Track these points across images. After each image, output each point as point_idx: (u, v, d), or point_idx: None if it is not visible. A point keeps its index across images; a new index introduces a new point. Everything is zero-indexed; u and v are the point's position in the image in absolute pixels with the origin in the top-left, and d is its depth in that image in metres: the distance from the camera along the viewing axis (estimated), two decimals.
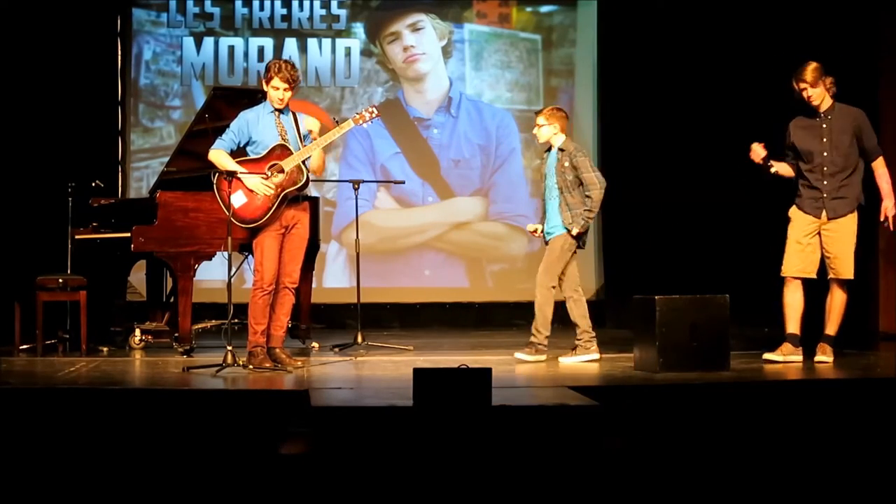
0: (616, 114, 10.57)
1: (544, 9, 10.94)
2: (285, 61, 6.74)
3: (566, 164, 7.20)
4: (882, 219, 6.96)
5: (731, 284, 7.23)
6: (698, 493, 4.73)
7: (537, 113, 7.36)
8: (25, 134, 9.60)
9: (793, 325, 6.95)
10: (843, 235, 6.91)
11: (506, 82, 10.85)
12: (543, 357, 7.21)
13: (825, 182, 6.93)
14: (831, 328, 6.96)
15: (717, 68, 10.02)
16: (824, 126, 6.95)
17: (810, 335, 7.06)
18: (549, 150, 7.35)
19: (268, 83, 6.71)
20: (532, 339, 7.22)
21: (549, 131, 7.26)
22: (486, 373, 5.10)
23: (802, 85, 6.91)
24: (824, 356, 6.91)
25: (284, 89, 6.68)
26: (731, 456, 5.11)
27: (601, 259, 10.74)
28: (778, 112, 8.60)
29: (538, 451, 4.89)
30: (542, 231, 7.36)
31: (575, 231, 7.16)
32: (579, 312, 7.30)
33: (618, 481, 4.74)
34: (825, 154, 6.93)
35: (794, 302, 6.95)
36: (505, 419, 5.06)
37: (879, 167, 6.96)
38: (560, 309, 10.69)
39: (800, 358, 6.94)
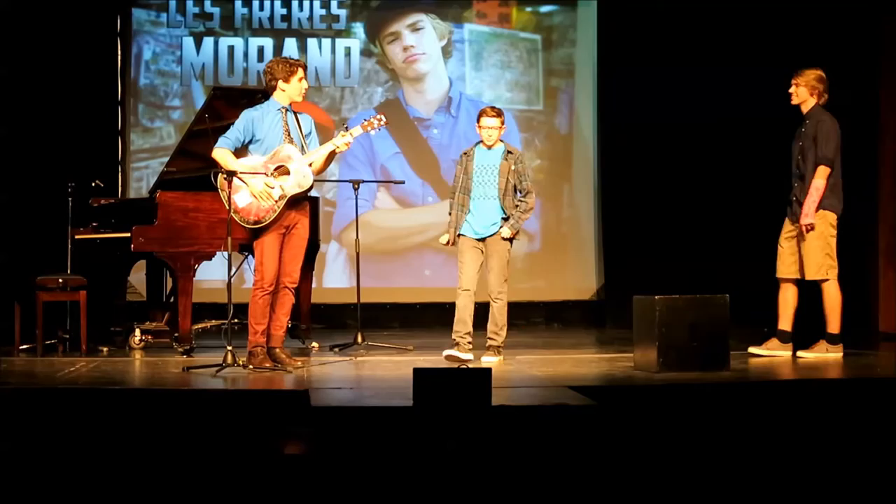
0: (616, 113, 10.56)
1: (544, 9, 10.94)
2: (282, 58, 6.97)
3: (513, 167, 7.15)
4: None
5: (731, 284, 7.24)
6: (698, 494, 4.73)
7: (497, 114, 7.19)
8: (26, 134, 9.59)
9: (783, 322, 7.29)
10: (808, 238, 7.14)
11: (506, 82, 10.84)
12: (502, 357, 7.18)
13: (795, 185, 7.24)
14: (829, 327, 7.17)
15: (717, 68, 10.01)
16: (802, 130, 7.25)
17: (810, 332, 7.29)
18: (477, 145, 7.21)
19: (290, 77, 6.72)
20: (492, 342, 7.15)
21: (500, 134, 7.21)
22: (486, 373, 5.11)
23: (792, 80, 7.26)
24: (813, 353, 7.13)
25: (305, 77, 6.81)
26: (731, 456, 5.11)
27: (601, 259, 10.74)
28: (777, 111, 8.61)
29: (538, 451, 4.89)
30: (451, 239, 7.21)
31: (509, 235, 7.13)
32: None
33: (618, 481, 4.74)
34: (798, 157, 7.22)
35: (783, 301, 7.30)
36: (505, 419, 5.06)
37: (816, 176, 7.09)
38: (562, 309, 10.69)
39: (787, 353, 7.22)
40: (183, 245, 7.56)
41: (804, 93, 7.20)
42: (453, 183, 7.30)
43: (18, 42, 9.62)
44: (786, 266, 7.25)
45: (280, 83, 6.74)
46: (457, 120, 10.74)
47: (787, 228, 7.28)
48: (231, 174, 6.58)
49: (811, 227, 7.06)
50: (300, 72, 6.74)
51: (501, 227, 7.15)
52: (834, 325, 7.14)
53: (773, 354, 7.21)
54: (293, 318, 7.50)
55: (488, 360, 7.02)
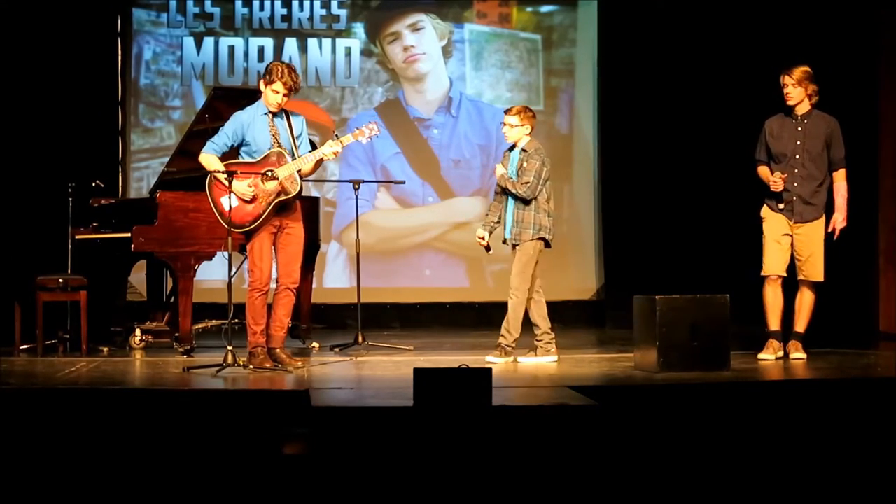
0: (616, 114, 10.56)
1: (544, 9, 10.94)
2: (289, 66, 6.71)
3: (524, 164, 7.13)
4: (829, 230, 7.15)
5: (731, 284, 7.24)
6: (699, 493, 4.73)
7: (507, 111, 7.24)
8: (26, 134, 9.60)
9: (775, 322, 7.19)
10: (812, 239, 7.12)
11: (506, 82, 10.84)
12: (511, 358, 7.16)
13: (795, 184, 7.11)
14: (801, 326, 7.18)
15: (717, 68, 10.02)
16: (799, 129, 7.14)
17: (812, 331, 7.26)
18: (511, 149, 7.26)
19: (268, 84, 6.68)
20: (501, 340, 7.14)
21: (520, 132, 7.17)
22: (486, 373, 5.11)
23: (787, 80, 7.11)
24: (798, 353, 7.12)
25: (284, 94, 6.65)
26: (731, 456, 5.12)
27: (601, 259, 10.74)
28: (778, 112, 8.59)
29: (538, 451, 4.89)
30: (488, 239, 7.25)
31: (549, 237, 7.17)
32: (539, 313, 7.23)
33: (618, 481, 4.74)
34: (797, 156, 7.11)
35: (774, 299, 7.18)
36: (505, 419, 5.06)
37: (839, 179, 7.14)
38: (562, 309, 10.66)
39: (782, 354, 7.17)
40: (183, 245, 7.57)
41: (801, 93, 7.09)
42: (542, 185, 7.14)
43: (19, 42, 9.63)
44: (779, 263, 7.13)
45: (261, 85, 6.74)
46: (457, 120, 10.74)
47: (784, 227, 7.15)
48: (230, 174, 6.58)
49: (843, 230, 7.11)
50: (277, 83, 6.60)
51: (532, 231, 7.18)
52: (803, 325, 7.17)
53: (780, 357, 7.13)
54: (293, 318, 7.50)
55: (490, 360, 7.06)
